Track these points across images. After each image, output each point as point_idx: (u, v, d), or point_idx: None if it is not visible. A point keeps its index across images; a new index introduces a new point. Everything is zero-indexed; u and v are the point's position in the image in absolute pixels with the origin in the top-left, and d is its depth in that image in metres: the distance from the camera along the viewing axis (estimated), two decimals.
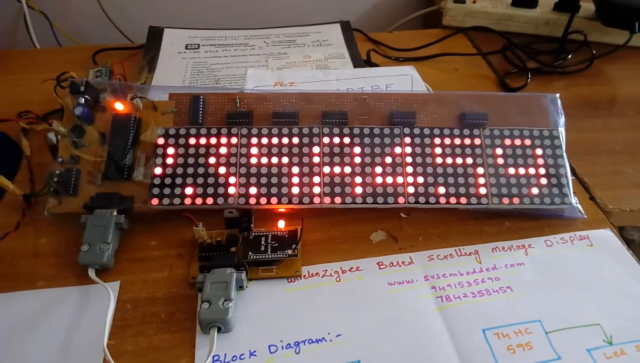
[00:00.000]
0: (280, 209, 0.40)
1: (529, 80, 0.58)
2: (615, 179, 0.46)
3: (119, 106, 0.42)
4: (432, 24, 0.78)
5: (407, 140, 0.41)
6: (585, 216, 0.41)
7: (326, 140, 0.41)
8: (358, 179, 0.40)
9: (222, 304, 0.33)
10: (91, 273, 0.36)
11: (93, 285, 0.36)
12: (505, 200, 0.40)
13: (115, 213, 0.38)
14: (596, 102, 0.57)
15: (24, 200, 0.42)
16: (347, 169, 0.40)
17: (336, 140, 0.41)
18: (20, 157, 0.48)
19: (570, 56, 0.63)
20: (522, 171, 0.41)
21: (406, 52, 0.64)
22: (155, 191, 0.39)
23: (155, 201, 0.39)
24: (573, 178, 0.42)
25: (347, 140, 0.41)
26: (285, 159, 0.40)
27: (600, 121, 0.54)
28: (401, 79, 0.51)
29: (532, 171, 0.41)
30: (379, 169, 0.40)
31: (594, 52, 0.61)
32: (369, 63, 0.60)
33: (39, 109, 0.52)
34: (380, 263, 0.38)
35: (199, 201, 0.39)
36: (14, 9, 0.88)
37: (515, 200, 0.40)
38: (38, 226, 0.41)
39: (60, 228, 0.41)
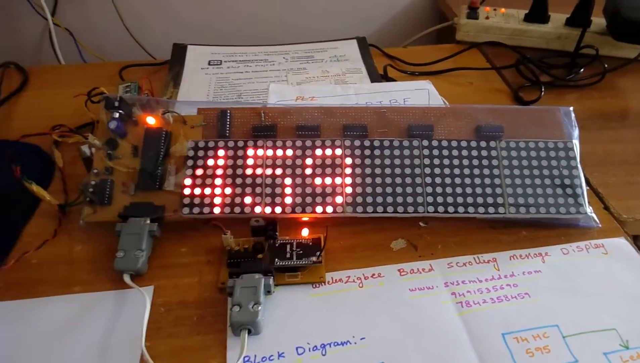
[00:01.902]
0: (304, 219, 0.42)
1: (543, 93, 0.60)
2: (629, 190, 0.47)
3: (151, 121, 0.44)
4: (445, 39, 0.80)
5: (426, 152, 0.43)
6: (600, 226, 0.42)
7: (348, 152, 0.43)
8: (379, 190, 0.41)
9: (252, 307, 0.34)
10: (126, 278, 0.38)
11: (128, 289, 0.38)
12: (522, 210, 0.41)
13: (148, 222, 0.40)
14: (608, 114, 0.59)
15: (59, 209, 0.44)
16: (368, 180, 0.42)
17: (357, 152, 0.43)
18: (53, 168, 0.51)
19: (582, 70, 0.64)
20: (537, 181, 0.42)
21: (421, 66, 0.66)
22: (186, 200, 0.41)
23: (186, 211, 0.40)
24: (588, 188, 0.43)
25: (367, 152, 0.43)
26: (308, 171, 0.42)
27: (612, 133, 0.55)
28: (418, 93, 0.53)
29: (547, 181, 0.42)
30: (398, 180, 0.42)
31: (606, 66, 0.62)
32: (385, 78, 0.62)
33: (70, 122, 0.54)
34: (401, 270, 0.39)
35: (227, 210, 0.41)
36: (39, 26, 0.92)
37: (532, 210, 0.41)
38: (73, 234, 0.43)
39: (95, 236, 0.43)
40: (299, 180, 0.42)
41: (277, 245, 0.40)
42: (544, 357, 0.33)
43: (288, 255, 0.39)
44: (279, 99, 0.52)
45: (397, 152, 0.43)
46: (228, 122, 0.44)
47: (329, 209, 0.41)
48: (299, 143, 0.43)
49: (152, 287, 0.38)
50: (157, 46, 0.91)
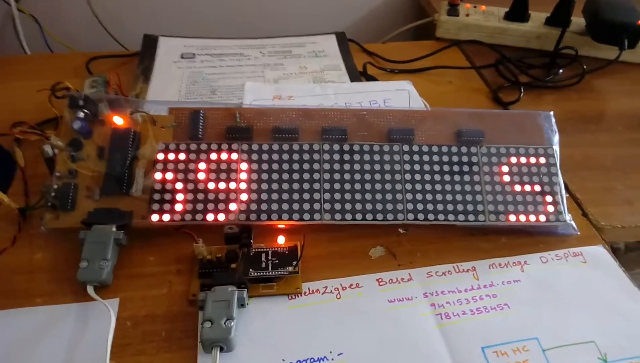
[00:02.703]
0: (280, 225, 0.40)
1: (522, 95, 0.59)
2: (607, 196, 0.47)
3: (118, 121, 0.41)
4: (424, 35, 0.79)
5: (406, 157, 0.42)
6: (579, 233, 0.42)
7: (326, 156, 0.41)
8: (358, 196, 0.40)
9: (225, 323, 0.33)
10: (90, 290, 0.36)
11: (92, 302, 0.36)
12: (502, 217, 0.41)
13: (114, 229, 0.38)
14: (587, 117, 0.59)
15: (18, 214, 0.42)
16: (347, 186, 0.40)
17: (336, 156, 0.41)
18: (13, 168, 0.48)
19: (561, 71, 0.64)
20: (517, 188, 0.41)
21: (401, 64, 0.65)
22: (155, 206, 0.39)
23: (155, 217, 0.38)
24: (566, 194, 0.43)
25: (347, 156, 0.41)
26: (285, 176, 0.40)
27: (590, 137, 0.55)
28: (398, 94, 0.51)
29: (527, 188, 0.42)
30: (378, 186, 0.41)
31: (585, 67, 0.62)
32: (365, 75, 0.61)
33: (32, 118, 0.51)
34: (380, 280, 0.38)
35: (199, 217, 0.39)
36: (1, 13, 0.87)
37: (512, 217, 0.41)
38: (33, 241, 0.40)
39: (57, 243, 0.40)
40: (275, 186, 0.40)
41: (251, 253, 0.38)
42: None
43: (263, 265, 0.37)
44: (256, 98, 0.50)
45: (377, 157, 0.41)
46: (201, 123, 0.42)
47: (306, 216, 0.39)
48: (275, 147, 0.41)
49: (118, 299, 0.36)
50: (128, 35, 0.87)
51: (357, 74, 0.61)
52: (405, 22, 0.91)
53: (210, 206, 0.39)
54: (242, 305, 0.35)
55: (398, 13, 0.94)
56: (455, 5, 0.72)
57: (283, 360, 0.33)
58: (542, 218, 0.41)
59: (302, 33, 0.70)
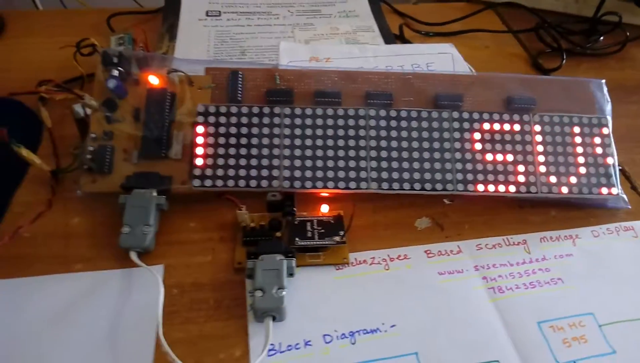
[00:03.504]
0: (323, 194, 0.39)
1: (564, 62, 0.57)
2: None
3: (154, 80, 0.39)
4: None
5: (456, 125, 0.40)
6: (630, 207, 0.41)
7: (372, 123, 0.39)
8: (405, 165, 0.39)
9: (276, 292, 0.32)
10: (133, 256, 0.34)
11: (135, 268, 0.35)
12: (554, 189, 0.39)
13: (155, 194, 0.36)
14: (629, 87, 0.56)
15: (51, 176, 0.40)
16: (394, 154, 0.39)
17: (382, 123, 0.39)
18: (39, 129, 0.46)
19: (602, 38, 0.61)
20: (571, 159, 0.40)
21: (435, 26, 0.62)
22: (197, 172, 0.37)
23: (196, 182, 0.37)
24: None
25: (393, 123, 0.39)
26: (330, 142, 0.39)
27: (635, 107, 0.53)
28: (441, 58, 0.49)
29: (581, 159, 0.40)
30: (426, 155, 0.39)
31: (628, 34, 0.59)
32: (401, 38, 0.58)
33: (55, 76, 0.49)
34: (428, 252, 0.37)
35: (242, 183, 0.37)
36: None
37: (564, 189, 0.39)
38: (68, 205, 0.39)
39: (93, 207, 0.39)
40: (319, 152, 0.38)
41: (296, 222, 0.37)
42: (580, 347, 0.32)
43: (309, 234, 0.36)
44: (291, 59, 0.48)
45: (424, 124, 0.40)
46: (240, 85, 0.40)
47: (352, 184, 0.38)
48: (319, 111, 0.39)
49: (162, 266, 0.35)
50: None
51: (392, 36, 0.58)
52: None
53: (253, 172, 0.37)
54: (290, 274, 0.34)
55: None
56: None
57: (335, 330, 0.32)
58: (595, 190, 0.39)
59: None
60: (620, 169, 0.45)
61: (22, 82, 0.48)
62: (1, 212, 0.38)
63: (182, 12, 0.59)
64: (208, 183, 0.37)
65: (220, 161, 0.37)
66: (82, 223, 0.38)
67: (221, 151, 0.38)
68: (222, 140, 0.38)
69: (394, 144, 0.39)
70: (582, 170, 0.40)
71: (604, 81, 0.44)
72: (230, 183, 0.37)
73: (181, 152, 0.38)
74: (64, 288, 0.34)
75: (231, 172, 0.37)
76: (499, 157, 0.39)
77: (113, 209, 0.37)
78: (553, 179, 0.39)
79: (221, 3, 0.62)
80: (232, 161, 0.38)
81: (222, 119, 0.38)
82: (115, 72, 0.38)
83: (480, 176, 0.39)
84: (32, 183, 0.41)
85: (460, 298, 0.34)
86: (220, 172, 0.37)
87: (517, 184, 0.39)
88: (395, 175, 0.38)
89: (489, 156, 0.39)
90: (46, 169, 0.40)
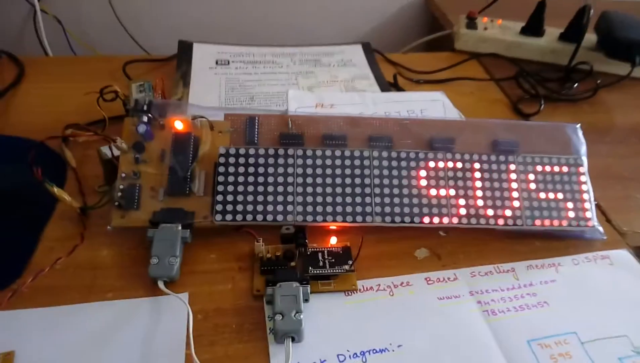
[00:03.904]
0: (331, 227, 0.43)
1: (542, 107, 0.63)
2: (627, 204, 0.50)
3: (179, 125, 0.44)
4: (437, 46, 0.83)
5: (450, 164, 0.45)
6: (606, 238, 0.46)
7: (375, 163, 0.44)
8: (406, 200, 0.43)
9: (294, 316, 0.35)
10: (161, 285, 0.38)
11: (162, 296, 0.38)
12: (538, 222, 0.44)
13: (180, 228, 0.40)
14: (601, 129, 0.62)
15: (80, 213, 0.44)
16: (396, 191, 0.43)
17: (385, 163, 0.44)
18: (63, 168, 0.49)
19: (576, 85, 0.68)
20: (551, 195, 0.45)
21: (424, 74, 0.68)
22: (219, 207, 0.41)
23: (219, 217, 0.41)
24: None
25: (394, 163, 0.44)
26: (338, 180, 0.43)
27: (606, 148, 0.59)
28: (433, 105, 0.55)
29: (560, 195, 0.45)
30: (424, 191, 0.43)
31: (599, 81, 0.66)
32: (395, 85, 0.64)
33: (75, 119, 0.53)
34: (428, 279, 0.41)
35: (259, 217, 0.41)
36: (23, 13, 0.87)
37: (546, 222, 0.44)
38: (97, 239, 0.42)
39: (120, 241, 0.42)
40: (328, 189, 0.43)
41: (308, 253, 0.41)
42: (566, 362, 0.36)
43: (321, 264, 0.40)
44: (299, 105, 0.52)
45: (422, 164, 0.44)
46: (257, 129, 0.44)
47: (359, 218, 0.42)
48: (328, 153, 0.44)
49: (187, 294, 0.38)
50: (147, 38, 0.89)
51: (386, 84, 0.64)
52: (418, 33, 0.95)
53: (269, 207, 0.41)
54: (306, 299, 0.37)
55: (411, 25, 0.98)
56: (473, 19, 0.76)
57: (348, 350, 0.35)
58: (574, 223, 0.44)
59: (317, 43, 0.73)
60: (596, 204, 0.50)
61: (44, 125, 0.52)
62: (33, 246, 0.41)
63: (194, 61, 0.64)
64: (228, 217, 0.41)
65: (240, 198, 0.41)
66: (110, 255, 0.41)
67: (240, 188, 0.42)
68: (241, 179, 0.42)
69: (395, 182, 0.43)
70: (561, 205, 0.45)
71: (578, 125, 0.49)
72: (249, 217, 0.41)
73: (203, 189, 0.42)
74: (97, 315, 0.37)
75: (249, 208, 0.41)
76: (488, 193, 0.44)
77: (138, 243, 0.41)
78: (536, 213, 0.44)
79: (229, 53, 0.67)
80: (250, 198, 0.42)
81: (241, 160, 0.42)
82: (145, 118, 0.42)
83: (472, 211, 0.43)
84: (60, 219, 0.44)
85: (459, 320, 0.38)
86: (239, 208, 0.41)
87: (504, 217, 0.43)
88: (397, 209, 0.43)
89: (479, 193, 0.44)
90: (75, 206, 0.43)
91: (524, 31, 0.74)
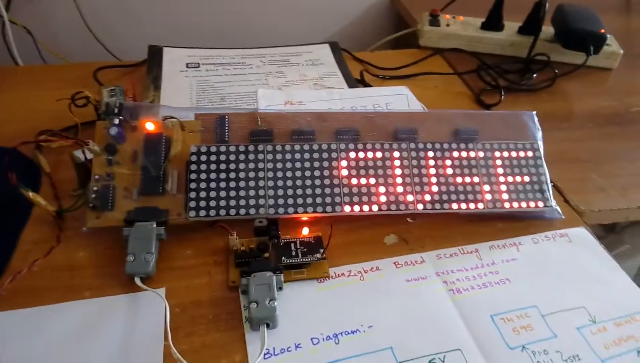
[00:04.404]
0: (303, 218, 0.45)
1: (503, 97, 0.66)
2: (584, 184, 0.53)
3: (150, 126, 0.45)
4: (403, 43, 0.85)
5: (413, 154, 0.47)
6: (563, 217, 0.48)
7: (342, 155, 0.46)
8: (373, 189, 0.45)
9: (268, 303, 0.37)
10: (138, 281, 0.39)
11: (139, 292, 0.39)
12: (498, 204, 0.46)
13: (154, 225, 0.41)
14: (560, 116, 0.65)
15: (56, 216, 0.44)
16: (363, 181, 0.45)
17: (352, 154, 0.46)
18: (37, 174, 0.50)
19: (535, 75, 0.71)
20: (510, 179, 0.47)
21: (390, 70, 0.70)
22: (192, 204, 0.42)
23: (192, 214, 0.42)
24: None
25: (361, 154, 0.46)
26: (307, 173, 0.45)
27: (564, 133, 0.62)
28: (398, 98, 0.57)
29: (518, 179, 0.47)
30: (390, 180, 0.45)
31: (556, 71, 0.69)
32: (362, 82, 0.66)
33: (49, 126, 0.53)
34: (397, 263, 0.43)
35: (232, 212, 0.42)
36: None
37: (506, 204, 0.46)
38: (73, 240, 0.43)
39: (96, 241, 0.43)
40: (299, 182, 0.44)
41: (281, 244, 0.42)
42: (527, 333, 0.38)
43: (293, 253, 0.42)
44: (269, 103, 0.54)
45: (387, 154, 0.46)
46: (227, 127, 0.46)
47: (328, 209, 0.44)
48: (297, 147, 0.45)
49: (164, 289, 0.40)
50: (117, 44, 0.90)
51: (353, 81, 0.66)
52: (385, 32, 0.97)
53: (242, 202, 0.43)
54: (279, 288, 0.39)
55: (378, 24, 1.00)
56: (436, 16, 0.78)
57: (321, 333, 0.37)
58: (532, 204, 0.47)
59: (287, 43, 0.74)
60: (554, 186, 0.53)
61: (17, 133, 0.52)
62: (11, 250, 0.42)
63: (164, 64, 0.65)
64: (202, 213, 0.42)
65: (213, 194, 0.43)
66: (87, 255, 0.42)
67: (213, 185, 0.43)
68: (213, 175, 0.43)
69: (362, 172, 0.45)
70: (520, 188, 0.47)
71: (535, 112, 0.52)
72: (222, 212, 0.42)
73: (176, 188, 0.43)
74: (76, 313, 0.38)
75: (222, 203, 0.43)
76: (450, 179, 0.46)
77: (114, 242, 0.42)
78: (497, 196, 0.46)
79: (199, 56, 0.68)
80: (222, 194, 0.43)
81: (213, 157, 0.44)
82: (117, 121, 0.43)
83: (436, 196, 0.45)
84: (36, 223, 0.45)
85: (426, 300, 0.40)
86: (212, 203, 0.42)
87: (467, 202, 0.46)
88: (364, 199, 0.44)
89: (442, 179, 0.46)
90: (51, 210, 0.44)
91: (485, 26, 0.77)
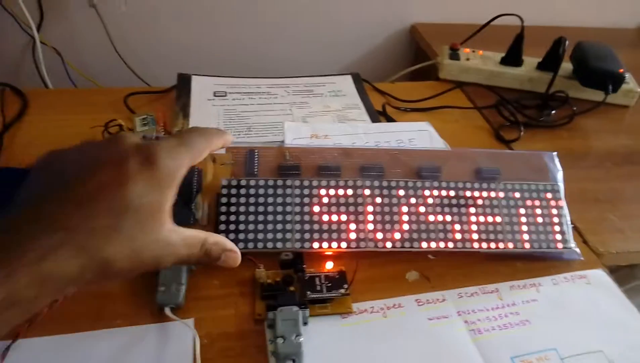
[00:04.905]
0: (327, 252, 0.46)
1: (522, 133, 0.67)
2: (602, 226, 0.54)
3: None
4: (421, 75, 0.87)
5: (435, 192, 0.48)
6: (583, 258, 0.49)
7: (367, 192, 0.47)
8: (396, 226, 0.46)
9: (295, 339, 0.38)
10: (168, 311, 0.40)
11: (169, 322, 0.40)
12: (519, 245, 0.47)
13: None
14: (578, 153, 0.66)
15: None
16: (387, 217, 0.46)
17: (377, 191, 0.47)
18: None
19: (554, 112, 0.72)
20: (531, 220, 0.48)
21: (411, 103, 0.72)
22: (221, 235, 0.43)
23: None
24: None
25: (385, 192, 0.47)
26: (334, 208, 0.46)
27: (583, 172, 0.63)
28: (420, 134, 0.58)
29: (539, 219, 0.48)
30: (413, 218, 0.47)
31: (575, 108, 0.70)
32: (384, 115, 0.67)
33: None
34: (419, 300, 0.44)
35: (260, 245, 0.44)
36: (21, 44, 0.90)
37: (527, 245, 0.47)
38: None
39: None
40: (325, 217, 0.45)
41: (306, 278, 0.44)
42: None
43: (318, 288, 0.43)
44: (295, 136, 0.56)
45: (411, 192, 0.47)
46: (256, 161, 0.47)
47: (353, 244, 0.45)
48: (323, 183, 0.47)
49: (193, 320, 0.41)
50: (144, 68, 0.92)
51: (375, 112, 0.67)
52: (404, 63, 0.99)
53: (269, 235, 0.44)
54: (305, 323, 0.40)
55: (398, 55, 1.02)
56: (456, 50, 0.80)
57: None
58: (552, 245, 0.47)
59: (307, 73, 0.76)
60: (573, 227, 0.53)
61: None
62: None
63: (193, 93, 0.67)
64: None
65: (241, 227, 0.44)
66: (119, 283, 0.43)
67: (242, 217, 0.44)
68: (242, 208, 0.45)
69: (386, 209, 0.47)
70: (541, 228, 0.48)
71: (555, 153, 0.53)
72: (250, 245, 0.44)
73: (207, 219, 0.45)
74: (108, 342, 0.39)
75: (250, 236, 0.44)
76: (473, 219, 0.47)
77: (146, 272, 0.43)
78: (517, 236, 0.47)
79: (226, 84, 0.70)
80: (251, 226, 0.44)
81: (242, 191, 0.45)
82: None
83: (457, 235, 0.46)
84: None
85: (447, 339, 0.41)
86: (241, 236, 0.44)
87: (488, 241, 0.47)
88: (388, 235, 0.46)
89: (464, 218, 0.47)
90: None
91: (504, 61, 0.78)
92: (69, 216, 0.28)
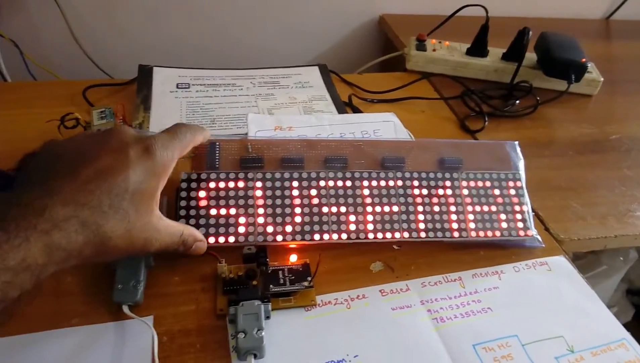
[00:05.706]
0: (291, 245, 0.45)
1: (486, 123, 0.67)
2: (564, 213, 0.55)
3: None
4: (389, 66, 0.87)
5: (399, 183, 0.48)
6: (544, 245, 0.50)
7: (331, 183, 0.47)
8: (360, 218, 0.46)
9: (256, 333, 0.37)
10: (126, 309, 0.39)
11: (127, 320, 0.39)
12: (481, 233, 0.47)
13: None
14: (541, 142, 0.67)
15: None
16: (351, 209, 0.46)
17: (339, 183, 0.47)
18: None
19: (518, 102, 0.73)
20: (493, 208, 0.49)
21: (378, 94, 0.72)
22: None
23: None
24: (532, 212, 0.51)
25: (348, 183, 0.47)
26: (296, 201, 0.45)
27: (546, 161, 0.64)
28: (385, 125, 0.58)
29: (500, 208, 0.49)
30: (377, 209, 0.46)
31: (538, 98, 0.71)
32: (350, 106, 0.67)
33: (35, 147, 0.53)
34: (382, 291, 0.44)
35: (221, 239, 0.43)
36: None
37: (489, 233, 0.48)
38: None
39: (84, 268, 0.43)
40: (287, 210, 0.45)
41: (269, 271, 0.43)
42: None
43: (281, 281, 0.42)
44: (259, 128, 0.55)
45: (374, 183, 0.47)
46: (217, 154, 0.46)
47: (316, 236, 0.45)
48: (286, 175, 0.46)
49: (152, 317, 0.40)
50: (107, 60, 0.90)
51: (341, 104, 0.67)
52: (372, 54, 0.99)
53: (231, 229, 0.44)
54: (267, 317, 0.39)
55: (366, 46, 1.02)
56: (422, 41, 0.80)
57: None
58: (514, 233, 0.48)
59: (275, 64, 0.75)
60: (534, 214, 0.54)
61: (4, 153, 0.52)
62: None
63: (154, 85, 0.65)
64: None
65: (202, 221, 0.43)
66: (75, 281, 0.42)
67: (202, 212, 0.44)
68: (203, 203, 0.44)
69: (350, 200, 0.46)
70: (502, 216, 0.48)
71: (517, 142, 0.53)
72: (211, 239, 0.43)
73: (166, 214, 0.44)
74: (64, 342, 0.38)
75: (212, 230, 0.43)
76: (436, 208, 0.47)
77: (103, 269, 0.42)
78: (480, 225, 0.48)
79: (189, 76, 0.69)
80: (212, 221, 0.43)
81: (203, 185, 0.44)
82: None
83: (421, 225, 0.47)
84: None
85: (410, 329, 0.41)
86: (202, 230, 0.43)
87: (451, 230, 0.47)
88: (352, 227, 0.45)
89: (427, 208, 0.47)
90: None
91: (470, 52, 0.79)
92: (76, 192, 0.32)
